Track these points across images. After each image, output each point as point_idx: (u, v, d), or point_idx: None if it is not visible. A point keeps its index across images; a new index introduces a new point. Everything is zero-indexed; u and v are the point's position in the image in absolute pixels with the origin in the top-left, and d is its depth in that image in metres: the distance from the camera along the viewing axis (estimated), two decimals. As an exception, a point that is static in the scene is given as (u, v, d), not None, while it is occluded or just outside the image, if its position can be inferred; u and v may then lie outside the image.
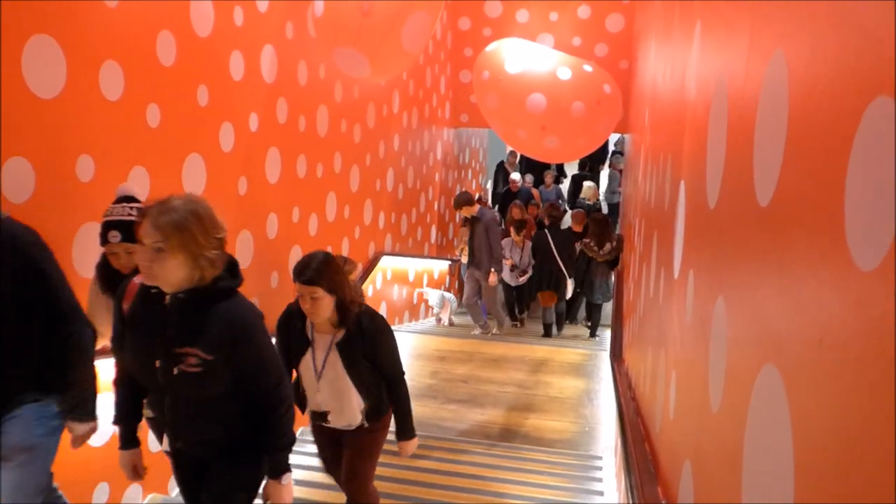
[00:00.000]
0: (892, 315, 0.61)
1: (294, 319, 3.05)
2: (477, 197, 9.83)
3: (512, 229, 8.42)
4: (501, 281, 8.67)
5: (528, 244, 8.48)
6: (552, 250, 8.08)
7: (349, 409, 3.08)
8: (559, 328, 8.58)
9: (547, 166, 12.17)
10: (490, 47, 7.51)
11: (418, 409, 6.06)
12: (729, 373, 1.31)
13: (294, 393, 3.06)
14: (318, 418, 3.14)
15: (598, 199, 11.57)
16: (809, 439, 0.84)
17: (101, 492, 3.19)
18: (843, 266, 0.73)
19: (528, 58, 7.12)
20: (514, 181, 11.15)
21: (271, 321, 4.90)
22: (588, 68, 7.15)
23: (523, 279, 8.56)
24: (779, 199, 1.01)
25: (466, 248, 8.87)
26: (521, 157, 12.58)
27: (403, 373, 3.18)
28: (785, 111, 1.00)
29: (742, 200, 1.25)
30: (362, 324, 2.97)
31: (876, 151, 0.66)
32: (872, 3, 0.70)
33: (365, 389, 3.05)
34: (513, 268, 8.42)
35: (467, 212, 7.61)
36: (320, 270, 2.82)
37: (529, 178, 11.86)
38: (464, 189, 8.10)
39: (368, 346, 2.98)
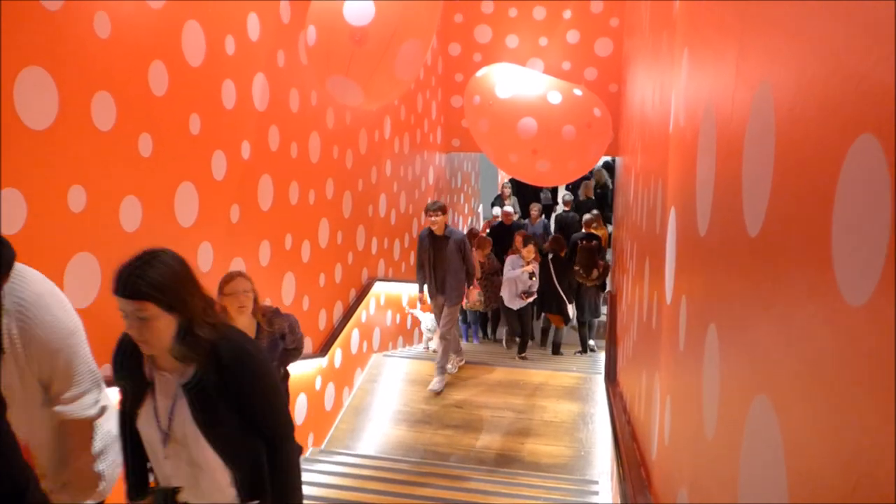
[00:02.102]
0: (882, 351, 0.61)
1: (128, 351, 2.13)
2: (469, 230, 9.76)
3: (522, 246, 8.17)
4: (502, 305, 8.41)
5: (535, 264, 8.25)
6: (553, 279, 8.45)
7: (210, 484, 2.15)
8: (555, 350, 9.03)
9: (535, 198, 12.20)
10: (480, 72, 7.56)
11: (413, 435, 6.05)
12: (722, 401, 1.31)
13: (134, 463, 2.27)
14: (163, 498, 2.16)
15: (590, 197, 11.71)
16: (803, 472, 0.84)
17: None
18: (832, 300, 0.73)
19: (518, 82, 7.18)
20: (507, 213, 10.78)
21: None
22: (578, 92, 7.21)
23: (529, 300, 8.24)
24: (768, 230, 1.02)
25: None
26: (512, 186, 12.53)
27: (291, 429, 2.25)
28: (772, 142, 1.01)
29: (732, 230, 1.25)
30: (221, 356, 2.06)
31: (862, 189, 0.67)
32: (857, 41, 0.71)
33: (230, 455, 2.12)
34: (531, 275, 8.07)
35: (441, 222, 6.44)
36: (153, 278, 1.95)
37: (509, 209, 11.37)
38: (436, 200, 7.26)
39: (232, 390, 2.07)
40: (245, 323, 3.58)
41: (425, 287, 6.83)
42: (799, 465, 0.86)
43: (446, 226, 6.57)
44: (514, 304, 8.28)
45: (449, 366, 6.99)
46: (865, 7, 0.68)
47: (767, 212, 1.02)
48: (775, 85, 1.02)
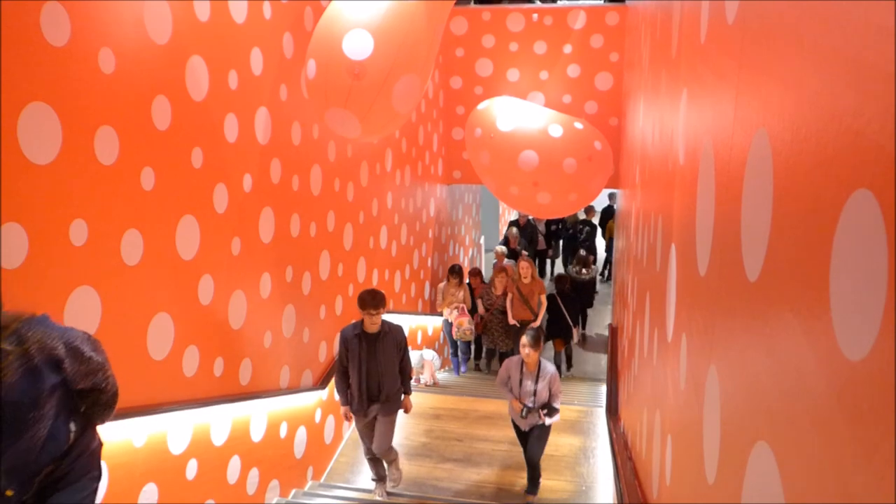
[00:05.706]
0: (882, 409, 0.61)
1: None
2: (470, 270, 9.60)
3: (526, 347, 5.17)
4: (512, 422, 5.55)
5: (548, 367, 5.28)
6: (563, 311, 8.99)
7: None
8: (569, 366, 9.62)
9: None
10: (482, 105, 7.63)
11: (413, 468, 5.99)
12: (724, 445, 1.30)
13: None
14: None
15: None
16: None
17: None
18: (831, 355, 0.73)
19: (519, 115, 7.24)
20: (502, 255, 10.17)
21: (264, 383, 4.85)
22: (579, 125, 7.26)
23: (553, 420, 5.29)
24: (766, 277, 1.02)
25: (444, 299, 8.67)
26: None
27: None
28: (770, 189, 1.01)
29: (731, 273, 1.25)
30: None
31: (859, 243, 0.67)
32: (850, 97, 0.72)
33: None
34: (524, 411, 5.25)
35: (379, 320, 4.92)
36: None
37: (501, 248, 10.69)
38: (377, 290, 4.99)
39: None
40: None
41: (346, 398, 5.16)
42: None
43: (382, 321, 4.99)
44: (522, 420, 5.38)
45: (390, 485, 5.51)
46: (857, 63, 0.69)
47: (766, 258, 1.02)
48: (772, 132, 1.02)
